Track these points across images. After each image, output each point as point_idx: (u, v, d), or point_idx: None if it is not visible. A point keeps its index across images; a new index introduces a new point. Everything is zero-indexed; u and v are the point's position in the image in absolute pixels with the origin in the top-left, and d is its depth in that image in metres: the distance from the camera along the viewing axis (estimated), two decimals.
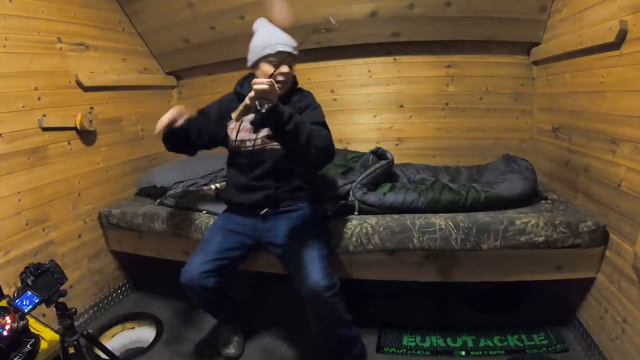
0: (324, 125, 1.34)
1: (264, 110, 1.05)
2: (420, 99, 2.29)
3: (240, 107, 1.12)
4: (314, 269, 1.29)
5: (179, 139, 1.39)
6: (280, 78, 1.35)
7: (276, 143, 1.32)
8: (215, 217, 1.71)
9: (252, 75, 1.45)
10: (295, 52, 1.36)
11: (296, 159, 1.29)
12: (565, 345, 1.56)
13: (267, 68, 1.34)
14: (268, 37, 1.36)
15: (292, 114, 1.12)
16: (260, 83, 1.05)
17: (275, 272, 1.64)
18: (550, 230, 1.42)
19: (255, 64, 1.39)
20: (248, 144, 1.45)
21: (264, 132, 1.32)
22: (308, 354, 1.65)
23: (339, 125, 2.29)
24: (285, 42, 1.34)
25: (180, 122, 1.29)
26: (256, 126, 1.15)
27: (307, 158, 1.19)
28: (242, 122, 1.35)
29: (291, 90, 1.47)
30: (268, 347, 1.71)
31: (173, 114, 1.27)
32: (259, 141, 1.43)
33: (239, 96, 1.45)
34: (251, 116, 1.14)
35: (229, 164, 1.55)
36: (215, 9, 2.16)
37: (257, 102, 1.06)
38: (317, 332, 1.72)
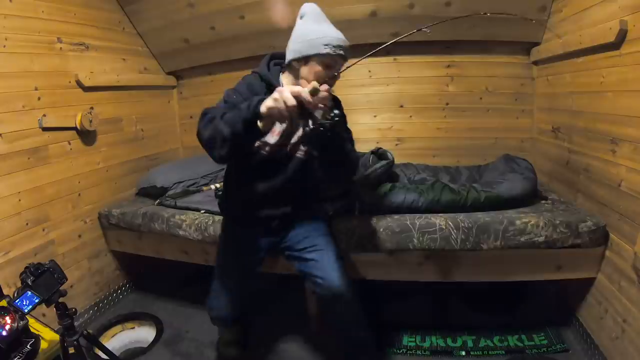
0: (351, 141, 1.29)
1: (335, 118, 1.01)
2: (420, 99, 2.29)
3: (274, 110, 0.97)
4: (333, 271, 1.29)
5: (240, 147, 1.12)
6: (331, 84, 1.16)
7: (302, 152, 1.28)
8: (212, 217, 1.73)
9: (277, 57, 1.30)
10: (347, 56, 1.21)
11: (332, 167, 1.22)
12: (565, 346, 1.56)
13: (319, 70, 1.16)
14: (331, 34, 1.17)
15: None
16: (319, 90, 0.97)
17: (274, 272, 1.64)
18: (550, 230, 1.42)
19: (306, 58, 1.17)
20: (281, 150, 1.27)
21: (295, 137, 1.26)
22: (309, 353, 1.65)
23: None
24: (345, 46, 1.19)
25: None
26: (319, 135, 1.05)
27: (343, 164, 1.17)
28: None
29: None
30: (268, 346, 1.71)
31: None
32: (290, 147, 1.27)
33: (268, 85, 1.23)
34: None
35: (238, 169, 1.33)
36: (215, 9, 2.16)
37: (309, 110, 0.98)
38: (318, 332, 1.72)
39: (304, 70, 1.18)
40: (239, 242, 1.42)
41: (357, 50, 2.23)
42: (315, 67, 1.17)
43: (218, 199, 1.64)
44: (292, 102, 0.95)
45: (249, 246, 1.41)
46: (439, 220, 1.50)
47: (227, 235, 1.49)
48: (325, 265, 1.31)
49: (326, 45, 1.15)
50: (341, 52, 1.17)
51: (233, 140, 1.02)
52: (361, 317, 1.38)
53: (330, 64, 1.17)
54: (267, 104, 0.98)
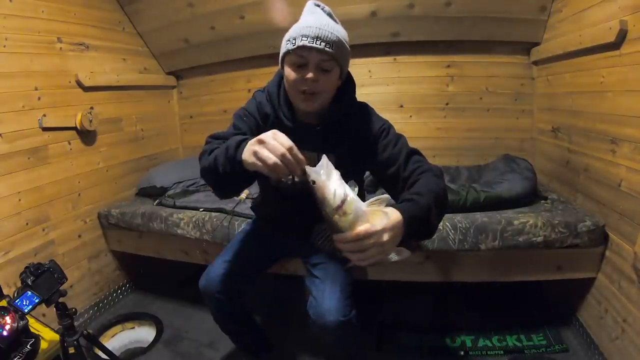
0: (413, 153, 1.02)
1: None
2: (420, 99, 2.29)
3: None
4: (331, 299, 1.10)
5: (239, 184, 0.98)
6: (302, 87, 0.96)
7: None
8: (210, 214, 1.74)
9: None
10: (332, 51, 0.93)
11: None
12: (565, 346, 1.56)
13: (290, 72, 0.97)
14: (302, 24, 0.96)
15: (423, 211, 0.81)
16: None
17: (274, 272, 1.64)
18: (549, 231, 1.42)
19: (282, 64, 1.01)
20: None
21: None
22: (310, 354, 1.65)
23: None
24: (319, 34, 0.92)
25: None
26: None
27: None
28: None
29: (344, 104, 1.07)
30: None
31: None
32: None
33: (273, 107, 1.09)
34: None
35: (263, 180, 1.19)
36: (215, 9, 2.16)
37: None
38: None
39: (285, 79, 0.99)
40: (259, 229, 1.36)
41: (357, 50, 2.26)
42: (287, 71, 0.97)
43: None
44: (272, 160, 0.76)
45: (267, 239, 1.33)
46: None
47: (250, 223, 1.43)
48: (324, 288, 1.14)
49: (290, 38, 0.94)
50: (305, 41, 0.91)
51: (227, 179, 0.89)
52: (352, 351, 1.22)
53: (298, 62, 0.95)
54: (245, 158, 0.81)
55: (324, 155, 0.77)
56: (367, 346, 1.63)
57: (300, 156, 0.78)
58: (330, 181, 0.71)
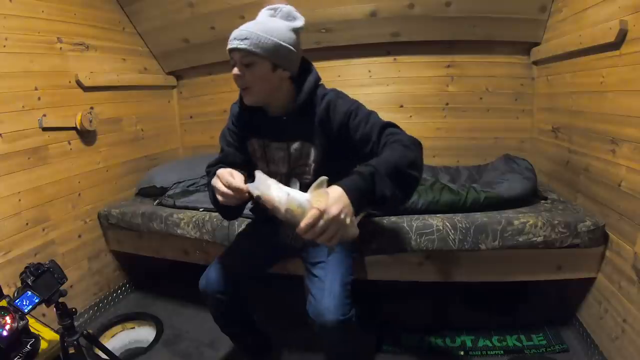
0: (386, 126, 1.02)
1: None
2: (420, 99, 2.29)
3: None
4: (329, 297, 1.11)
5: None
6: (235, 83, 1.06)
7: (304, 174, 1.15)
8: (210, 214, 1.73)
9: None
10: (244, 46, 0.98)
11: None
12: (565, 346, 1.56)
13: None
14: None
15: (370, 178, 0.83)
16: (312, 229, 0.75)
17: (275, 272, 1.64)
18: (549, 230, 1.42)
19: None
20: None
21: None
22: (310, 354, 1.65)
23: None
24: (236, 35, 1.00)
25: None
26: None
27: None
28: (265, 150, 1.18)
29: (302, 93, 1.09)
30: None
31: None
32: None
33: (247, 111, 1.17)
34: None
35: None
36: (215, 9, 2.16)
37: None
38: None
39: None
40: (259, 226, 1.38)
41: (357, 50, 2.26)
42: None
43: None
44: (225, 202, 0.95)
45: (267, 233, 1.32)
46: (435, 221, 1.49)
47: (250, 225, 1.43)
48: (323, 287, 1.14)
49: None
50: (229, 45, 1.01)
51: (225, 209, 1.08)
52: (352, 351, 1.23)
53: (232, 63, 1.04)
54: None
55: (258, 171, 0.87)
56: (367, 346, 1.63)
57: (237, 186, 0.91)
58: (270, 191, 0.80)
